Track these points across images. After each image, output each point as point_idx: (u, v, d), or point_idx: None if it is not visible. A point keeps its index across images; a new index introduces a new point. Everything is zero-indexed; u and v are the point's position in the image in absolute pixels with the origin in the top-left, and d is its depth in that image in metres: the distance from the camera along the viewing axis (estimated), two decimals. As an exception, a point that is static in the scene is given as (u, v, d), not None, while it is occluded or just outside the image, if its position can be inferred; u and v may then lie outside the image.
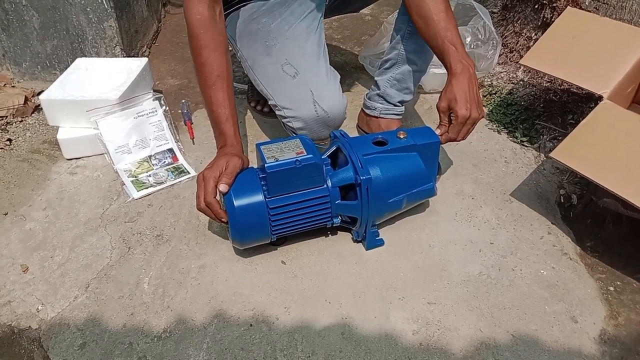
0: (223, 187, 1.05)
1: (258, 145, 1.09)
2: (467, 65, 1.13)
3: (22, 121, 1.63)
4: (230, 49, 1.21)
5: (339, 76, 1.27)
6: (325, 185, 1.10)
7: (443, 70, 1.62)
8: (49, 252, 1.20)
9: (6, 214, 1.30)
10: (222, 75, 1.12)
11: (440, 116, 1.17)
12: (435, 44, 1.17)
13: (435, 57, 1.39)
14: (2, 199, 1.34)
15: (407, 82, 1.38)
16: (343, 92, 1.25)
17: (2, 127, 1.58)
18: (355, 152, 1.11)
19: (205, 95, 1.14)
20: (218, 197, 1.08)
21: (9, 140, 1.54)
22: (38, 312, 1.07)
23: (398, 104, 1.41)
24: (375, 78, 1.44)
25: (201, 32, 1.11)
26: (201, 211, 1.09)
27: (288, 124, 1.24)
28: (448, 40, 1.14)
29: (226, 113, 1.12)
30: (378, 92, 1.42)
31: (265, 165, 1.04)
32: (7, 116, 1.61)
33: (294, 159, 1.05)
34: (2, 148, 1.51)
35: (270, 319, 1.05)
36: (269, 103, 1.28)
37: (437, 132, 1.17)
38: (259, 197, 1.07)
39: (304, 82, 1.21)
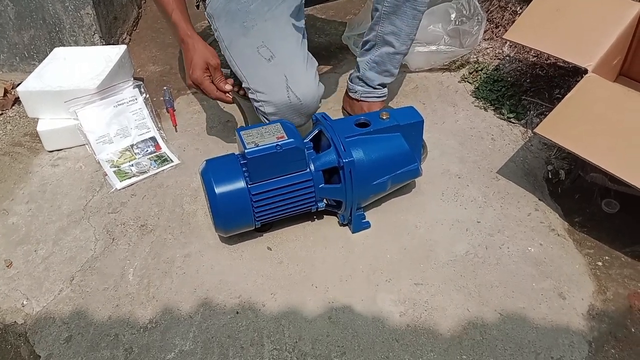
0: (229, 87, 1.20)
1: (238, 131, 1.07)
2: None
3: (2, 114, 1.60)
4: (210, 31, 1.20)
5: (316, 64, 1.25)
6: (308, 170, 1.09)
7: (428, 48, 1.62)
8: (32, 246, 1.18)
9: (-12, 209, 1.28)
10: None
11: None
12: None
13: (417, 37, 1.37)
14: (-17, 194, 1.32)
15: (386, 64, 1.35)
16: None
17: (-18, 120, 1.56)
18: (338, 135, 1.09)
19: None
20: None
21: (-11, 133, 1.52)
22: (23, 306, 1.06)
23: (378, 86, 1.39)
24: (357, 59, 1.42)
25: None
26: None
27: (260, 108, 1.22)
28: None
29: (172, 6, 1.18)
30: (358, 74, 1.40)
31: (246, 151, 1.02)
32: (-14, 109, 1.59)
33: (275, 144, 1.03)
34: (-18, 142, 1.49)
35: (256, 306, 1.04)
36: (243, 86, 1.25)
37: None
38: (241, 184, 1.05)
39: (279, 67, 1.19)
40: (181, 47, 1.21)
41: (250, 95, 1.23)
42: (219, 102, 1.36)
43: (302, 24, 1.27)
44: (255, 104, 1.23)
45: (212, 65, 1.18)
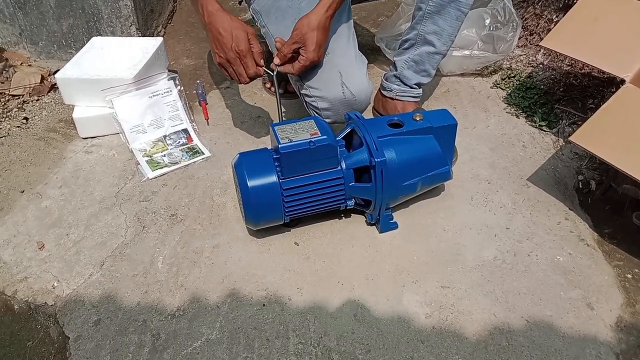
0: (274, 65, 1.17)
1: (272, 126, 1.08)
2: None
3: (38, 100, 1.64)
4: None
5: (366, 61, 1.27)
6: (339, 167, 1.09)
7: (461, 53, 1.62)
8: (64, 230, 1.21)
9: (23, 191, 1.31)
10: None
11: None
12: None
13: (456, 40, 1.37)
14: (18, 177, 1.35)
15: (424, 64, 1.35)
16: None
17: (19, 105, 1.59)
18: (370, 134, 1.10)
19: None
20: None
21: (26, 118, 1.55)
22: (54, 288, 1.08)
23: (415, 86, 1.39)
24: (394, 58, 1.42)
25: None
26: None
27: (312, 103, 1.23)
28: None
29: None
30: (395, 72, 1.40)
31: (279, 146, 1.03)
32: (23, 95, 1.62)
33: (308, 140, 1.04)
34: (18, 126, 1.52)
35: (283, 300, 1.05)
36: (293, 81, 1.26)
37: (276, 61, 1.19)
38: (273, 178, 1.06)
39: (333, 64, 1.20)
40: (205, 24, 1.15)
41: (303, 92, 1.24)
42: (246, 102, 1.36)
43: (351, 21, 1.29)
44: (308, 99, 1.24)
45: (250, 32, 1.13)
